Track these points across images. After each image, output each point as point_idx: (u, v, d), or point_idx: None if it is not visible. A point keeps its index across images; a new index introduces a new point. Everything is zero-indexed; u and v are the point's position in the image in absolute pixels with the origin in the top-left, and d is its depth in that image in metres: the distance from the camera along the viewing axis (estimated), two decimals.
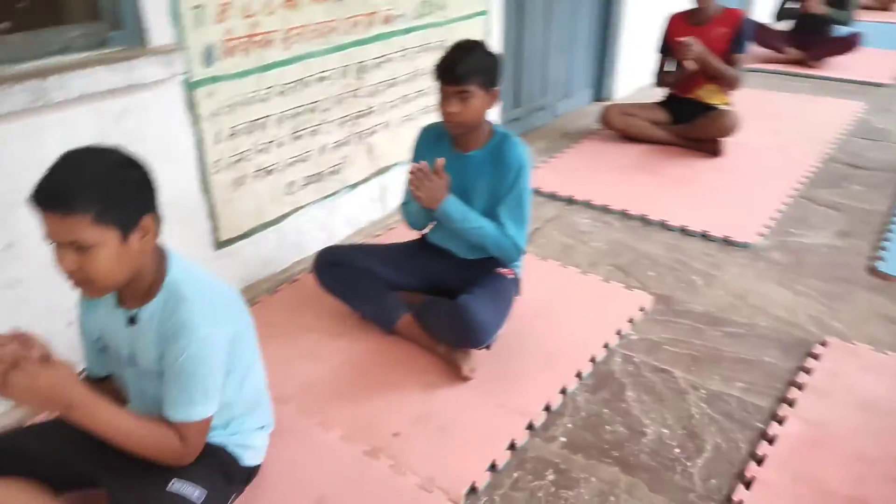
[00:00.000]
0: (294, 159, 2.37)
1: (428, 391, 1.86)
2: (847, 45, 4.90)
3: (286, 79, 2.24)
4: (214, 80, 2.03)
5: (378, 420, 1.76)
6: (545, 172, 3.25)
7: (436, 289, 2.08)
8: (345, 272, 2.07)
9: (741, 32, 3.26)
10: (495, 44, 3.15)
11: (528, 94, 3.77)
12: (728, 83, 3.31)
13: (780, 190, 3.00)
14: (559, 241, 2.66)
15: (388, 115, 2.70)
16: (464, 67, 1.77)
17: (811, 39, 4.99)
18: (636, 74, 4.36)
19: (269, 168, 2.30)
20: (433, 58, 2.77)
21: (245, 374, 1.40)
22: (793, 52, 5.04)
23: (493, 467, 1.62)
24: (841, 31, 4.96)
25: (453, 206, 1.87)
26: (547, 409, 1.79)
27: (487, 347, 1.90)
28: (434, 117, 2.02)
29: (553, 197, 3.02)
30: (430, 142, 2.03)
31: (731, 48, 3.26)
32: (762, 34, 4.98)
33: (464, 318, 1.81)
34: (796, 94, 4.40)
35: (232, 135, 2.14)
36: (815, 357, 1.95)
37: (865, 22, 5.39)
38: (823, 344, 2.00)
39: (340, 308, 2.15)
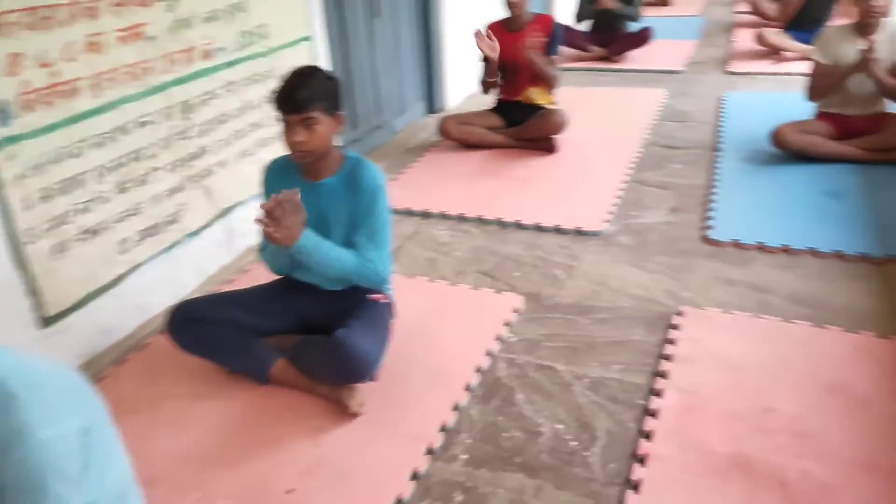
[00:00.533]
0: (124, 214, 2.15)
1: (317, 437, 1.74)
2: (641, 39, 5.41)
3: (101, 128, 2.02)
4: (14, 139, 1.78)
5: (267, 480, 1.62)
6: (395, 189, 3.22)
7: (308, 327, 1.97)
8: (203, 327, 1.90)
9: (554, 36, 3.48)
10: (323, 68, 3.08)
11: (363, 114, 3.74)
12: (551, 83, 3.51)
13: (613, 177, 3.21)
14: (422, 256, 2.65)
15: (223, 153, 2.53)
16: (304, 94, 1.69)
17: (609, 36, 5.46)
18: (465, 83, 4.50)
19: (95, 228, 2.06)
20: (263, 89, 2.69)
21: (105, 466, 1.21)
22: (596, 50, 5.48)
23: (399, 503, 1.55)
24: (634, 26, 5.47)
25: (310, 240, 1.77)
26: (443, 428, 1.75)
27: (372, 378, 1.82)
28: (273, 150, 1.91)
29: (408, 213, 3.00)
30: (280, 175, 1.92)
31: (547, 51, 3.46)
32: (568, 35, 5.36)
33: (344, 354, 1.73)
34: (607, 88, 4.77)
35: (45, 197, 1.88)
36: (676, 328, 2.09)
37: (652, 17, 5.99)
38: (680, 314, 2.15)
39: (203, 366, 1.97)
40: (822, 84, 3.19)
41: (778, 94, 4.28)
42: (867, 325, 2.06)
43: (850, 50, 3.07)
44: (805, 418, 1.70)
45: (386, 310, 1.97)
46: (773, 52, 5.13)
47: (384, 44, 3.82)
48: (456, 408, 1.82)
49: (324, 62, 3.10)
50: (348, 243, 1.87)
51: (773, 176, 3.14)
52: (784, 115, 3.37)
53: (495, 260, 2.58)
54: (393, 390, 1.87)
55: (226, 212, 2.60)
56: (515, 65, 3.48)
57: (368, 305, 1.92)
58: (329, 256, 1.80)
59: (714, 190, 3.02)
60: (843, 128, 3.23)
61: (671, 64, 5.21)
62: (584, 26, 5.64)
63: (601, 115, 4.16)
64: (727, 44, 5.82)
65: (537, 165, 3.42)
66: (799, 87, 3.38)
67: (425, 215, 2.98)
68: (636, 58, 5.39)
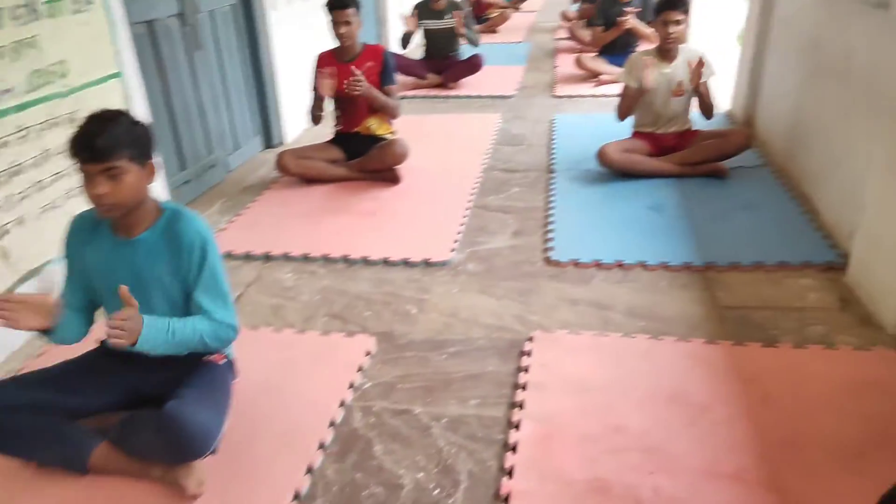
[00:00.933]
0: None
1: None
2: (474, 65, 5.59)
3: None
4: None
5: None
6: (233, 233, 3.03)
7: (136, 401, 1.75)
8: (1, 417, 1.61)
9: (386, 65, 3.47)
10: (140, 108, 2.83)
11: (192, 153, 3.49)
12: (391, 113, 3.50)
13: (457, 204, 3.24)
14: (266, 303, 2.48)
15: (19, 208, 2.22)
16: (106, 141, 1.49)
17: (443, 64, 5.60)
18: (302, 116, 4.36)
19: None
20: (64, 134, 2.39)
21: None
22: (432, 77, 5.59)
23: None
24: (466, 53, 5.65)
25: (153, 330, 1.56)
26: (296, 497, 1.62)
27: (213, 452, 1.65)
28: (85, 201, 1.69)
29: (248, 257, 2.82)
30: (86, 232, 1.70)
31: (382, 81, 3.45)
32: (403, 64, 5.41)
33: (176, 429, 1.54)
34: (444, 115, 4.86)
35: None
36: (527, 354, 2.10)
37: (482, 44, 6.20)
38: (530, 339, 2.18)
39: (5, 462, 1.68)
40: (629, 104, 3.47)
41: (600, 115, 4.58)
42: (697, 332, 2.20)
43: (653, 73, 3.35)
44: (652, 432, 1.76)
45: (225, 371, 1.81)
46: (592, 76, 5.51)
47: (210, 78, 3.61)
48: (310, 470, 1.69)
49: (139, 100, 2.84)
50: (180, 305, 1.69)
51: (602, 193, 3.32)
52: (606, 135, 3.59)
53: (345, 301, 2.48)
54: (238, 461, 1.70)
55: (30, 275, 2.28)
56: (351, 96, 3.42)
57: (205, 369, 1.75)
58: (177, 335, 1.61)
59: (551, 211, 3.14)
60: (657, 145, 3.51)
61: (503, 89, 5.42)
62: (417, 54, 5.73)
63: (441, 141, 4.21)
64: (552, 68, 6.18)
65: (381, 197, 3.37)
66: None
67: (267, 258, 2.82)
68: (470, 84, 5.55)
